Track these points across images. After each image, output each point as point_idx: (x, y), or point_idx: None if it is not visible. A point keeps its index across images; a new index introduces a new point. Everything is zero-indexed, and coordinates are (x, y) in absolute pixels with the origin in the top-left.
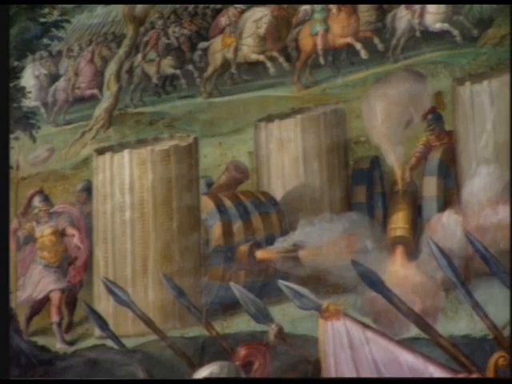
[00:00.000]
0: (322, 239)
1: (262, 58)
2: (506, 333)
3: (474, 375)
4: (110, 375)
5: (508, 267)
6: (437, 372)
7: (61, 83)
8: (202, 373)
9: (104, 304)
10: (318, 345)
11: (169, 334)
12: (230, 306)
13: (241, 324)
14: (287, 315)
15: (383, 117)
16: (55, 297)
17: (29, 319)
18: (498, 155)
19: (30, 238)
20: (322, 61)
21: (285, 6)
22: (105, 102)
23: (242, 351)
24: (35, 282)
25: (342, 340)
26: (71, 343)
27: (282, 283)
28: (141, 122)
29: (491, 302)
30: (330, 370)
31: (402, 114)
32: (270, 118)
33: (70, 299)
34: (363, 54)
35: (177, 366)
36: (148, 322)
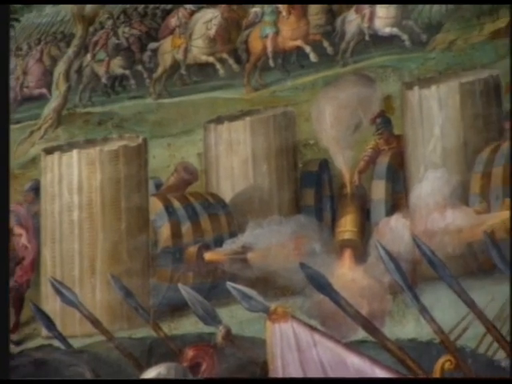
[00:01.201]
0: (271, 241)
1: (211, 59)
2: (453, 337)
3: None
4: (57, 375)
5: (454, 272)
6: (383, 375)
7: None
8: (149, 374)
9: (51, 304)
10: (266, 347)
11: (116, 335)
12: (178, 308)
13: (188, 325)
14: (235, 317)
15: (332, 120)
16: None
17: None
18: (446, 160)
19: None
20: (271, 63)
21: (235, 7)
22: (53, 102)
23: (189, 353)
24: None
25: (290, 342)
26: (18, 343)
27: (230, 285)
28: (90, 121)
29: (438, 306)
30: (278, 372)
31: (350, 117)
32: (219, 120)
33: (17, 299)
34: (313, 57)
35: (124, 366)
36: (95, 323)
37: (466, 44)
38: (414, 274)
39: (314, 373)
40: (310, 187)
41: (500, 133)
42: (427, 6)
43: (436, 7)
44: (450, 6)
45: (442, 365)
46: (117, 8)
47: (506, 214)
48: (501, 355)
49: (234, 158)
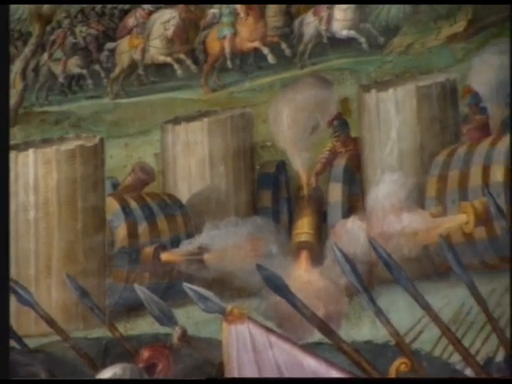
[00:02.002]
0: (228, 243)
1: (169, 60)
2: (408, 339)
3: None
4: (13, 375)
5: (410, 274)
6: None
7: None
8: (105, 374)
9: None
10: (222, 348)
11: (72, 335)
12: (134, 308)
13: (144, 326)
14: (191, 318)
15: (290, 122)
16: None
17: None
18: (402, 163)
19: None
20: (229, 64)
21: (193, 8)
22: (10, 100)
23: (145, 353)
24: None
25: (246, 343)
26: None
27: (186, 286)
28: (46, 121)
29: (394, 309)
30: (233, 373)
31: (308, 119)
32: (176, 121)
33: None
34: (270, 59)
35: (79, 366)
36: (51, 323)
37: (423, 47)
38: (370, 277)
39: (270, 374)
40: (267, 189)
41: (456, 136)
42: (385, 9)
43: (394, 10)
44: (408, 10)
45: (398, 367)
46: (74, 7)
47: (461, 217)
48: (456, 358)
49: (192, 159)
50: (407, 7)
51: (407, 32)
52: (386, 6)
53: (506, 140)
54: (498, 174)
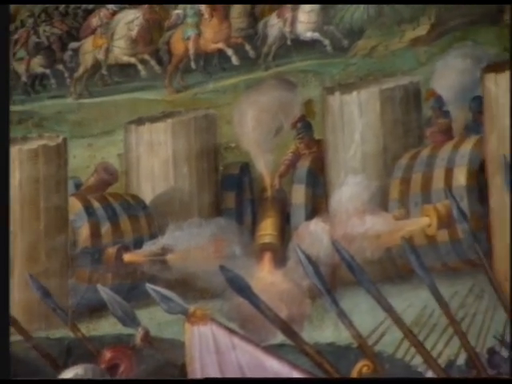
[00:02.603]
0: (191, 244)
1: (133, 60)
2: (371, 341)
3: None
4: None
5: (373, 277)
6: None
7: None
8: (67, 374)
9: None
10: (185, 349)
11: (34, 335)
12: (97, 309)
13: (107, 326)
14: (154, 319)
15: (253, 123)
16: None
17: None
18: (366, 165)
19: None
20: (193, 65)
21: (157, 9)
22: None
23: (107, 354)
24: None
25: (209, 344)
26: None
27: (149, 287)
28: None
29: (356, 311)
30: (196, 374)
31: (272, 121)
32: (140, 121)
33: None
34: (234, 60)
35: (42, 367)
36: (13, 322)
37: (386, 50)
38: (333, 279)
39: (232, 375)
40: (230, 190)
41: (419, 139)
42: (349, 12)
43: (357, 13)
44: (372, 13)
45: (360, 369)
46: (38, 7)
47: (424, 220)
48: (418, 360)
49: (155, 160)
50: (371, 10)
51: (371, 35)
52: (350, 8)
53: (468, 143)
54: (460, 178)
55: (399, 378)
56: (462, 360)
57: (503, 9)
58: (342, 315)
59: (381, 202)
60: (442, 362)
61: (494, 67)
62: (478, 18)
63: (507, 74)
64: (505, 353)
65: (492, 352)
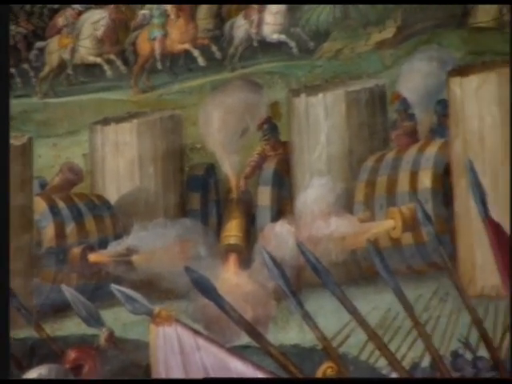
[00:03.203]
0: (156, 244)
1: (99, 60)
2: (335, 343)
3: None
4: None
5: (338, 279)
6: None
7: None
8: (31, 375)
9: None
10: (149, 350)
11: None
12: (61, 309)
13: (72, 327)
14: (119, 319)
15: (219, 125)
16: None
17: None
18: (331, 167)
19: None
20: (159, 66)
21: (123, 9)
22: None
23: (71, 354)
24: None
25: (173, 346)
26: None
27: (114, 287)
28: None
29: (321, 313)
30: (160, 375)
31: (237, 122)
32: (106, 121)
33: None
34: (201, 61)
35: None
36: None
37: (352, 53)
38: (298, 281)
39: (197, 377)
40: (196, 191)
41: (385, 142)
42: (315, 14)
43: (323, 15)
44: (338, 15)
45: (324, 371)
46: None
47: (389, 222)
48: (382, 363)
49: (120, 160)
50: (337, 12)
51: (337, 37)
52: (317, 10)
53: (433, 146)
54: (425, 181)
55: (401, 378)
56: (426, 362)
57: (468, 12)
58: (307, 317)
59: (346, 204)
60: (406, 364)
61: (460, 71)
62: (444, 21)
63: (472, 77)
64: (469, 356)
65: (456, 355)
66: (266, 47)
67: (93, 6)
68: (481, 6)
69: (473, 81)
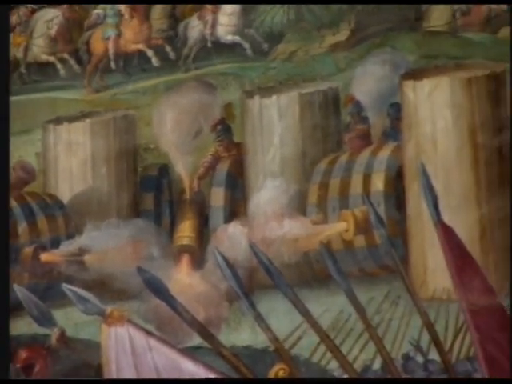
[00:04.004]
0: (108, 244)
1: (52, 59)
2: (287, 345)
3: None
4: None
5: (290, 280)
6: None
7: None
8: None
9: None
10: (101, 350)
11: None
12: (13, 308)
13: (23, 326)
14: (70, 319)
15: (173, 125)
16: None
17: None
18: (284, 169)
19: None
20: (113, 65)
21: (77, 8)
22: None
23: (23, 354)
24: None
25: (125, 346)
26: None
27: (66, 287)
28: None
29: (273, 315)
30: (112, 376)
31: (191, 123)
32: (59, 121)
33: None
34: (155, 62)
35: None
36: None
37: (306, 55)
38: (251, 282)
39: (149, 377)
40: (149, 191)
41: (338, 144)
42: (269, 16)
43: (278, 17)
44: (292, 17)
45: (276, 373)
46: None
47: (342, 225)
48: (334, 365)
49: (73, 160)
50: (291, 14)
51: (291, 39)
52: (271, 12)
53: (386, 150)
54: (378, 183)
55: (401, 378)
56: (377, 365)
57: (422, 16)
58: (259, 318)
59: (299, 206)
60: (357, 366)
61: (413, 74)
62: (397, 24)
63: (425, 81)
64: (420, 358)
65: (407, 358)
66: (220, 48)
67: (46, 4)
68: (435, 10)
69: (426, 84)
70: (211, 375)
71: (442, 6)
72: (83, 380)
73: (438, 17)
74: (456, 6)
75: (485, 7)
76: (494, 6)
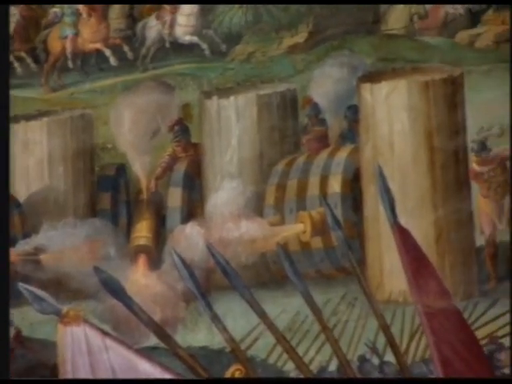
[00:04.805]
0: (65, 244)
1: (9, 57)
2: (244, 346)
3: None
4: None
5: (247, 281)
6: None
7: None
8: None
9: None
10: (57, 349)
11: None
12: None
13: None
14: (26, 318)
15: (130, 125)
16: None
17: None
18: (242, 170)
19: None
20: (70, 64)
21: (34, 6)
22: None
23: None
24: None
25: (81, 346)
26: None
27: (21, 286)
28: None
29: (230, 315)
30: (68, 375)
31: (148, 123)
32: (15, 119)
33: None
34: (112, 61)
35: None
36: None
37: (264, 57)
38: (208, 282)
39: (105, 377)
40: (106, 191)
41: (296, 146)
42: (227, 17)
43: (236, 18)
44: (250, 18)
45: (233, 373)
46: None
47: (299, 226)
48: (290, 366)
49: (30, 158)
50: (250, 16)
51: (249, 40)
52: (229, 13)
53: (344, 151)
54: (335, 185)
55: (401, 378)
56: (333, 366)
57: (380, 19)
58: (216, 319)
59: (256, 207)
60: (313, 367)
61: (370, 77)
62: (355, 27)
63: (383, 84)
64: (375, 360)
65: (363, 359)
66: (179, 48)
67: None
68: (392, 13)
69: (383, 87)
70: (167, 376)
71: (399, 10)
72: (83, 380)
73: (395, 20)
74: (413, 10)
75: (442, 11)
76: (451, 11)
